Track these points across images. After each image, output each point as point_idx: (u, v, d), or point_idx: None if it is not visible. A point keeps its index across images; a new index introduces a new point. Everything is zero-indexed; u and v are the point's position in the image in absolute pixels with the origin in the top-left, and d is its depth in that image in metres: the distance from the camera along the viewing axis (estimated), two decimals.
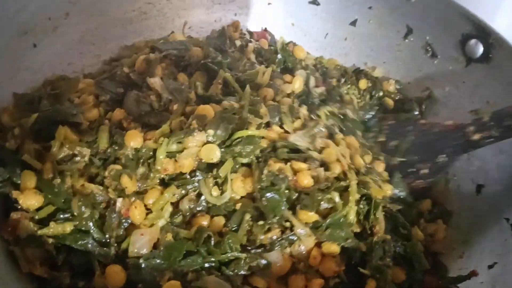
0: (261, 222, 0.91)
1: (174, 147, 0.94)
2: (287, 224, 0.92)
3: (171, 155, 0.94)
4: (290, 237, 0.92)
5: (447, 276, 1.06)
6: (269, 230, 0.92)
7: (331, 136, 1.10)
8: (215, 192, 0.93)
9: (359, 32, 1.38)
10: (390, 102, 1.33)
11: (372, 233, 0.98)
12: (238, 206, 0.94)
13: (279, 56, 1.35)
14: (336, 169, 0.99)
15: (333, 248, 0.93)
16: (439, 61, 1.25)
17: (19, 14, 0.94)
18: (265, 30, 1.41)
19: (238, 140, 0.97)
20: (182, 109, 1.02)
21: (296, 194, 0.95)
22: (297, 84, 1.23)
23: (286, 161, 0.99)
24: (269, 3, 1.39)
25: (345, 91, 1.33)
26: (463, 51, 1.18)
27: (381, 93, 1.34)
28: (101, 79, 1.08)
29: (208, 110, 0.98)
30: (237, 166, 0.97)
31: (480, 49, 1.15)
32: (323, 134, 1.08)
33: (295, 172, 0.97)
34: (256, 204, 0.93)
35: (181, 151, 0.93)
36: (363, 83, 1.34)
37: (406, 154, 1.17)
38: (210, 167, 0.95)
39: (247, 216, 0.91)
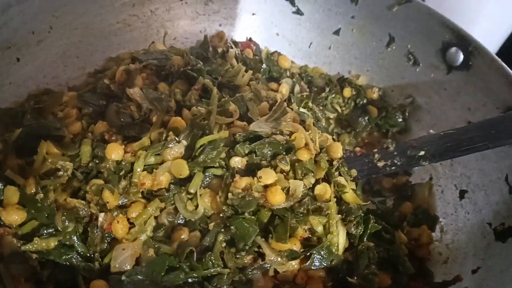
0: (232, 250, 0.89)
1: (152, 160, 0.93)
2: (261, 250, 0.90)
3: (150, 168, 0.93)
4: (264, 265, 0.90)
5: (433, 282, 1.07)
6: (240, 256, 0.90)
7: (302, 122, 1.06)
8: (190, 206, 0.92)
9: (342, 41, 1.39)
10: (373, 110, 1.34)
11: (359, 243, 0.99)
12: (211, 226, 0.91)
13: (264, 65, 1.36)
14: (304, 156, 0.96)
15: (319, 273, 0.93)
16: (421, 68, 1.27)
17: (2, 29, 0.95)
18: (250, 40, 1.42)
19: (201, 148, 0.94)
20: (161, 119, 1.00)
21: (269, 215, 0.92)
22: (284, 90, 1.25)
23: (253, 172, 0.93)
24: (253, 14, 1.40)
25: (329, 101, 1.34)
26: (444, 59, 1.20)
27: (365, 101, 1.35)
28: (82, 92, 1.08)
29: (179, 122, 0.97)
30: (207, 179, 0.95)
31: (461, 57, 1.16)
32: (290, 118, 1.03)
33: (266, 186, 0.92)
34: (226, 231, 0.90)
35: (161, 163, 0.92)
36: (347, 92, 1.35)
37: None
38: (184, 181, 0.93)
39: (220, 237, 0.89)
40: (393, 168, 1.06)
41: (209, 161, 0.94)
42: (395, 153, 1.07)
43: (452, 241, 1.13)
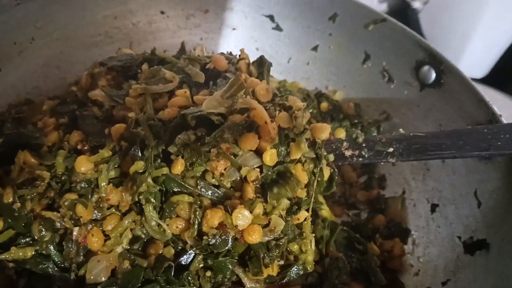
0: (208, 273, 0.90)
1: (113, 173, 0.91)
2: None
3: (117, 181, 0.91)
4: None
5: None
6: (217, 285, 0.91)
7: (275, 96, 1.02)
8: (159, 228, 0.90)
9: (320, 57, 1.42)
10: (347, 124, 1.37)
11: (327, 254, 1.01)
12: (187, 246, 0.90)
13: None
14: (265, 139, 0.91)
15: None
16: (395, 85, 1.30)
17: None
18: (230, 54, 1.44)
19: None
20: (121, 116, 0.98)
21: (245, 247, 0.92)
22: None
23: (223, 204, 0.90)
24: (234, 29, 1.43)
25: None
26: (417, 77, 1.24)
27: (341, 116, 1.38)
28: (54, 105, 1.07)
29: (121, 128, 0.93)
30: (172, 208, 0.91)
31: (433, 75, 1.20)
32: (261, 90, 0.98)
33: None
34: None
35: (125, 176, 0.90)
36: (324, 106, 1.38)
37: None
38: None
39: (198, 257, 0.90)
40: (360, 159, 1.04)
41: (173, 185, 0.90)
42: (364, 145, 1.06)
43: (424, 254, 1.17)
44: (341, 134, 1.27)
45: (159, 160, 0.91)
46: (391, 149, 1.02)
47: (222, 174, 0.91)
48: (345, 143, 1.05)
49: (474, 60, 2.22)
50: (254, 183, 0.91)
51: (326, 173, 1.00)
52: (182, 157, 0.90)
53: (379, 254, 1.12)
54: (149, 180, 0.88)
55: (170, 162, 0.90)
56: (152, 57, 1.12)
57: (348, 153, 1.04)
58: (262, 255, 0.90)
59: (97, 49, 1.26)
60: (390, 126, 1.35)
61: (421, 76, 1.23)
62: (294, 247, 0.96)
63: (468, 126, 1.13)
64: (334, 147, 1.06)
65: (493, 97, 1.13)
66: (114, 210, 0.91)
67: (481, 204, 1.07)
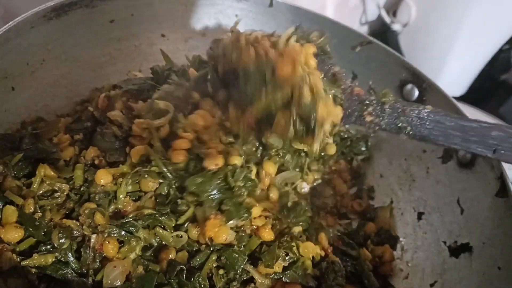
0: (221, 271, 0.97)
1: (130, 188, 0.98)
2: (249, 275, 0.99)
3: (135, 195, 1.00)
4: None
5: None
6: (229, 281, 0.98)
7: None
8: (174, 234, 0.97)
9: None
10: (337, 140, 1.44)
11: (324, 258, 1.09)
12: (202, 247, 0.98)
13: None
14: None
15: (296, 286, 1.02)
16: None
17: (1, 60, 1.01)
18: None
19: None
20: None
21: (259, 243, 1.01)
22: None
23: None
24: None
25: None
26: (402, 94, 1.31)
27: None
28: (69, 123, 1.14)
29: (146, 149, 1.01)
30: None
31: (416, 93, 1.28)
32: None
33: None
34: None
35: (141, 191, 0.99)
36: None
37: None
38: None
39: (214, 257, 0.97)
40: (376, 128, 0.97)
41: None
42: (386, 115, 0.97)
43: (412, 259, 1.25)
44: (332, 149, 1.35)
45: None
46: (409, 128, 0.95)
47: None
48: (370, 108, 0.96)
49: (452, 79, 2.33)
50: None
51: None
52: None
53: (371, 259, 1.19)
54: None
55: None
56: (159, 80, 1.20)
57: (368, 118, 0.97)
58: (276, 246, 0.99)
59: (101, 70, 1.32)
60: (377, 140, 1.44)
61: (405, 94, 1.31)
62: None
63: None
64: (359, 106, 0.98)
65: (472, 114, 1.21)
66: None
67: (464, 210, 1.15)
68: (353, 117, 0.98)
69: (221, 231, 0.95)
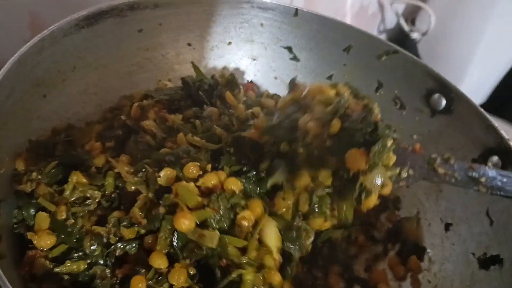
0: None
1: None
2: None
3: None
4: None
5: None
6: None
7: None
8: None
9: None
10: None
11: None
12: None
13: None
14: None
15: None
16: (407, 112, 1.38)
17: (34, 69, 1.02)
18: (251, 82, 1.53)
19: None
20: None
21: None
22: None
23: None
24: (254, 59, 1.52)
25: None
26: (428, 104, 1.31)
27: None
28: (101, 131, 1.16)
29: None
30: None
31: (443, 102, 1.28)
32: None
33: None
34: None
35: None
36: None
37: None
38: None
39: None
40: (453, 180, 0.97)
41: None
42: (455, 168, 0.97)
43: (440, 270, 1.23)
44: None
45: None
46: (483, 179, 0.96)
47: None
48: (439, 160, 0.98)
49: (472, 88, 2.32)
50: None
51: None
52: None
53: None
54: None
55: None
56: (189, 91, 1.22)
57: (441, 171, 0.98)
58: None
59: (129, 78, 1.33)
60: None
61: (432, 103, 1.31)
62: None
63: (476, 149, 1.20)
64: (426, 161, 1.00)
65: None
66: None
67: (493, 222, 1.14)
68: (422, 172, 0.99)
69: None
